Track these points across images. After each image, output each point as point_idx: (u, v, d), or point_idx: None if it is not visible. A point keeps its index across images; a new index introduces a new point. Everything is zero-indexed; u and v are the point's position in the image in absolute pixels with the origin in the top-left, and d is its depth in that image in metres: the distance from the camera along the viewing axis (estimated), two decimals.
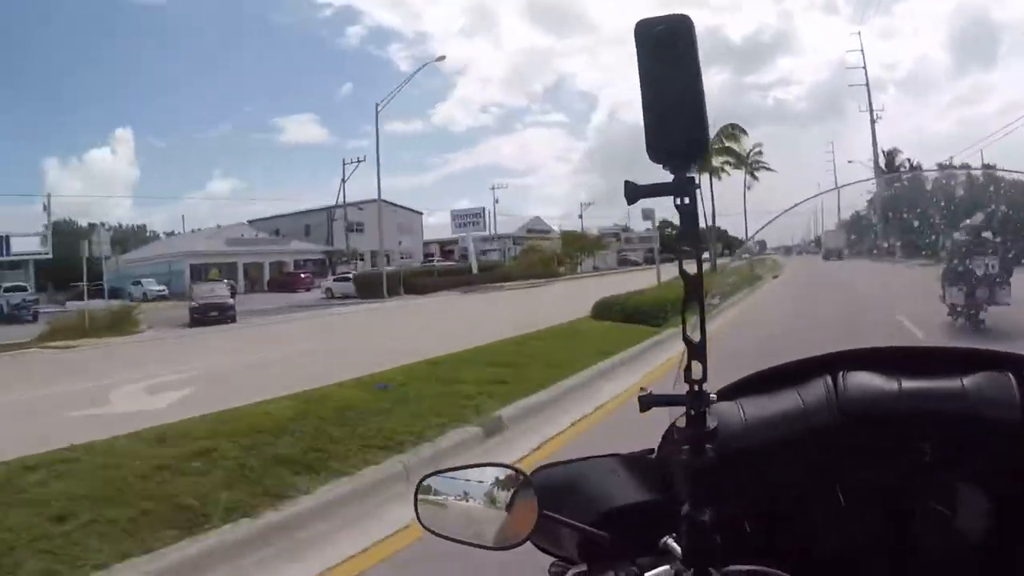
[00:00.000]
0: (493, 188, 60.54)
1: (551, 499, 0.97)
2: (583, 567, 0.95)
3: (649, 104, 0.72)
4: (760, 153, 43.28)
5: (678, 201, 0.73)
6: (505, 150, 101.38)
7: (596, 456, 1.02)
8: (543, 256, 54.27)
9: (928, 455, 0.91)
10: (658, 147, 0.72)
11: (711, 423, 0.79)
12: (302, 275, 49.95)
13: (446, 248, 61.74)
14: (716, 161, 37.86)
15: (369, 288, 38.54)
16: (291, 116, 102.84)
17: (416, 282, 40.85)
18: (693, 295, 0.75)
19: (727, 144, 39.48)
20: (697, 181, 0.74)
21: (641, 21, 0.73)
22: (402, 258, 54.50)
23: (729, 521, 0.95)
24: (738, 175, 42.50)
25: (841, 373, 0.99)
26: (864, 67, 43.86)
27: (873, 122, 44.41)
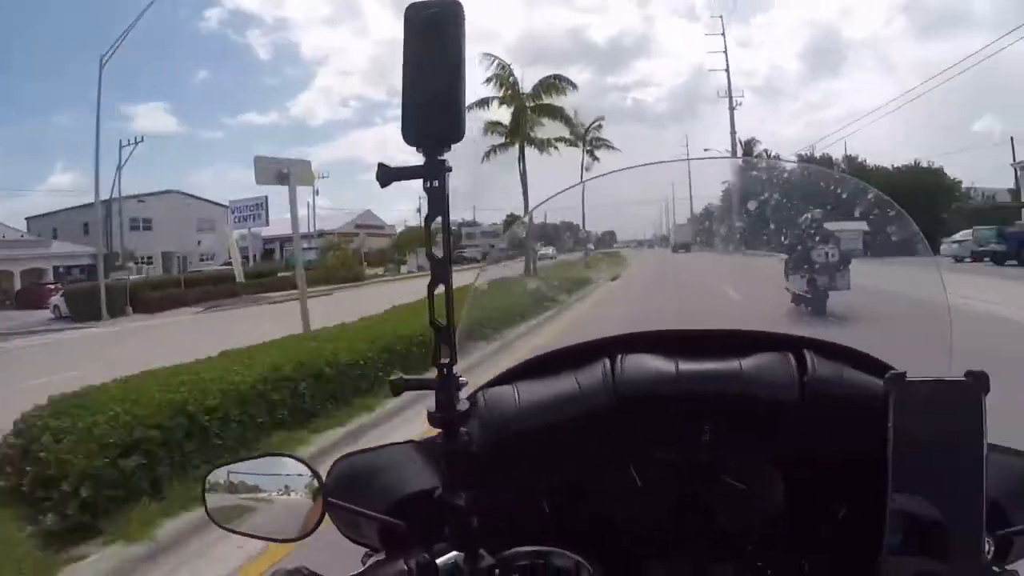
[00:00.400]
0: (318, 177, 47.76)
1: (349, 489, 0.96)
2: (382, 555, 0.93)
3: (410, 86, 0.73)
4: (600, 127, 34.96)
5: (427, 184, 0.74)
6: (366, 144, 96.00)
7: (395, 443, 1.01)
8: (344, 257, 43.91)
9: (707, 435, 0.93)
10: (414, 130, 0.73)
11: (462, 406, 0.80)
12: (48, 286, 37.38)
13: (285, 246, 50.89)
14: (539, 132, 29.91)
15: (84, 306, 27.69)
16: (141, 104, 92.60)
17: (152, 297, 29.85)
18: (440, 278, 0.76)
19: (546, 101, 29.55)
20: (448, 165, 0.74)
21: (413, 3, 0.74)
22: (202, 259, 47.02)
23: (523, 504, 0.99)
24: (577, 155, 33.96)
25: (620, 356, 1.00)
26: (725, 50, 44.76)
27: (732, 109, 44.71)
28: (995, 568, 0.84)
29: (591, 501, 1.02)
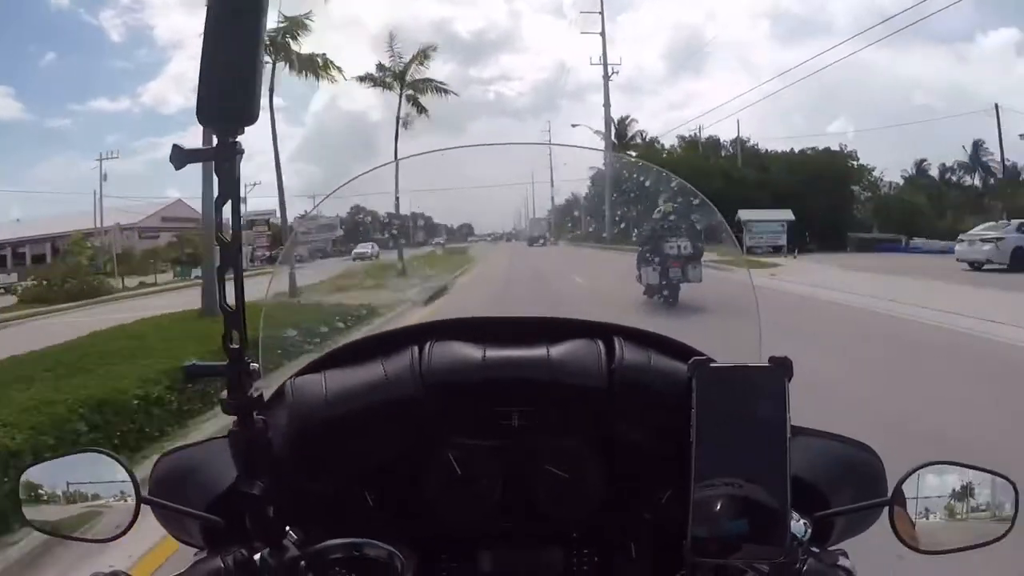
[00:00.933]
0: (99, 159, 43.78)
1: (171, 486, 0.95)
2: (204, 554, 0.91)
3: (207, 66, 0.72)
4: (427, 62, 25.81)
5: (218, 166, 0.73)
6: None
7: (216, 437, 0.98)
8: (67, 265, 30.27)
9: (515, 422, 0.96)
10: (207, 110, 0.72)
11: (254, 392, 0.79)
12: None
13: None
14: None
15: None
16: None
17: None
18: (229, 262, 0.75)
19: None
20: (241, 147, 0.73)
21: None
22: None
23: (345, 496, 0.98)
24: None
25: (429, 343, 1.01)
26: (603, 29, 43.05)
27: (607, 77, 42.20)
28: (814, 549, 0.87)
29: (414, 491, 1.02)
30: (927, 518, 0.86)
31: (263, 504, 0.80)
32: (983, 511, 0.87)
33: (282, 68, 18.87)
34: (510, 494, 1.02)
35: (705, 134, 47.13)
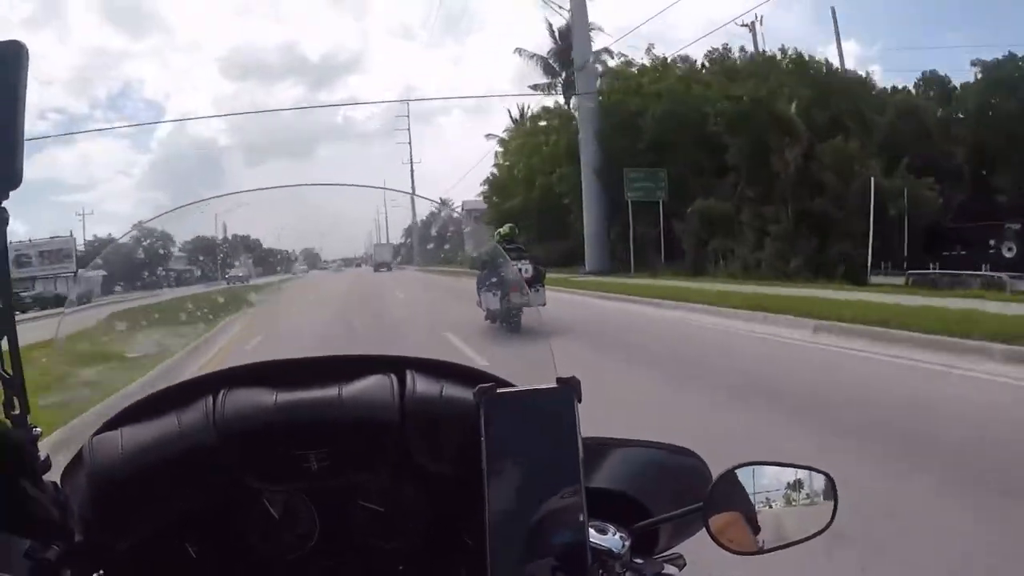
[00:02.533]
0: None
1: None
2: None
3: None
4: None
5: None
6: (65, 162, 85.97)
7: None
8: None
9: (314, 464, 0.94)
10: None
11: (41, 454, 0.79)
12: None
13: None
14: None
15: None
16: None
17: None
18: (2, 328, 0.75)
19: None
20: (6, 213, 0.74)
21: None
22: None
23: (167, 552, 0.97)
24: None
25: (223, 391, 0.99)
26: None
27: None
28: (637, 561, 0.89)
29: (235, 538, 1.00)
30: (749, 517, 0.88)
31: (61, 568, 0.81)
32: (803, 505, 0.92)
33: None
34: (328, 532, 1.02)
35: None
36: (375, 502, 1.01)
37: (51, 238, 33.70)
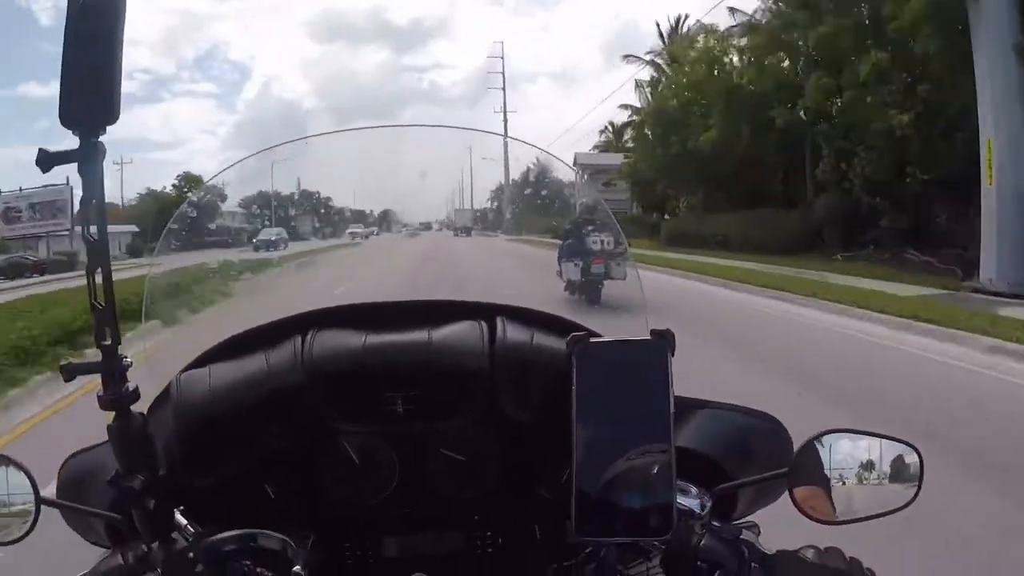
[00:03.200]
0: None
1: (77, 487, 0.98)
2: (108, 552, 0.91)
3: (68, 66, 0.73)
4: None
5: (82, 167, 0.74)
6: (151, 121, 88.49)
7: None
8: None
9: (400, 406, 0.95)
10: (70, 112, 0.74)
11: (130, 385, 0.81)
12: None
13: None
14: None
15: None
16: None
17: None
18: (96, 260, 0.77)
19: None
20: (103, 147, 0.74)
21: None
22: None
23: (245, 489, 0.99)
24: None
25: (312, 332, 1.00)
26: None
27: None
28: (715, 524, 0.86)
29: (314, 481, 1.02)
30: (830, 487, 0.84)
31: (144, 498, 0.82)
32: (887, 478, 0.86)
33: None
34: (407, 478, 1.02)
35: None
36: (455, 450, 1.01)
37: (44, 187, 28.72)
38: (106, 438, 0.85)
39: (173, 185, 48.92)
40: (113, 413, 0.81)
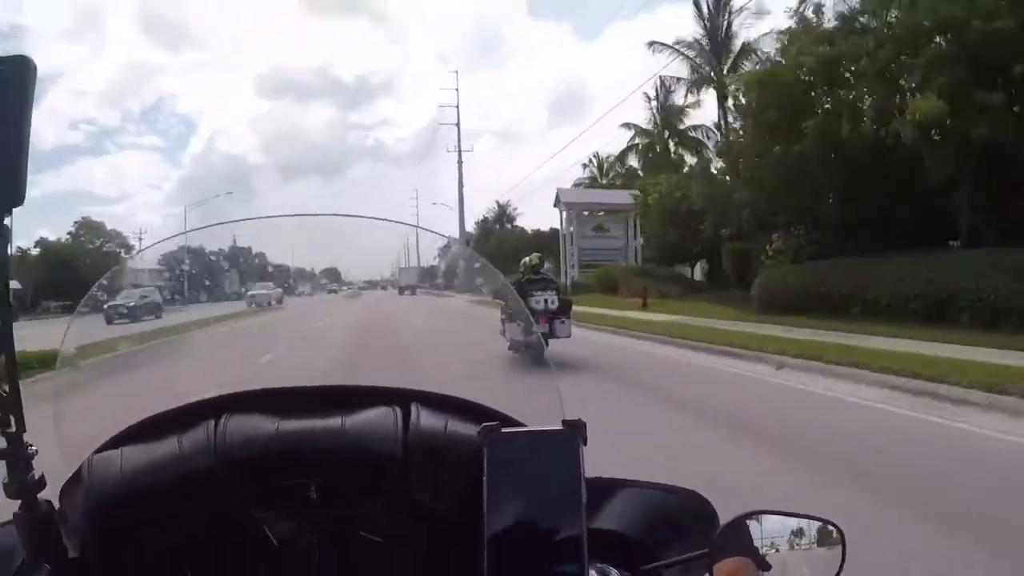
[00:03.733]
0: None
1: None
2: None
3: None
4: None
5: None
6: (95, 174, 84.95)
7: (7, 523, 0.91)
8: None
9: (314, 493, 0.93)
10: None
11: (36, 473, 0.79)
12: None
13: None
14: None
15: None
16: None
17: None
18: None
19: None
20: (9, 231, 0.71)
21: None
22: None
23: (159, 572, 0.95)
24: None
25: (224, 416, 0.99)
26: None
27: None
28: None
29: (234, 565, 0.99)
30: (761, 556, 0.85)
31: None
32: (809, 553, 0.86)
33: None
34: (329, 562, 0.99)
35: None
36: (376, 533, 0.99)
37: None
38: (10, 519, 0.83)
39: (69, 233, 47.39)
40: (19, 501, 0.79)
